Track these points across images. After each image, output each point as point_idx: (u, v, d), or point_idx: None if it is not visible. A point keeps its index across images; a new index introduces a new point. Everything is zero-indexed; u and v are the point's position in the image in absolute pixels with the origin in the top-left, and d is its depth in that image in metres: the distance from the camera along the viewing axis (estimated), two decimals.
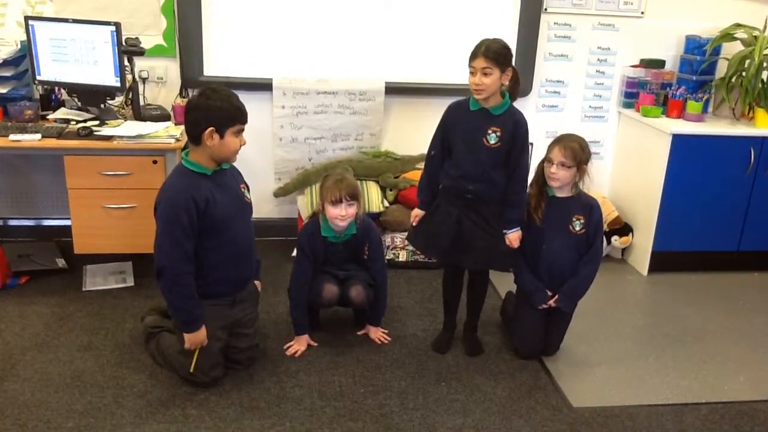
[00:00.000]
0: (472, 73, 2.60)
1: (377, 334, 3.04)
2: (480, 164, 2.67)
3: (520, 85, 2.75)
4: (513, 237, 2.75)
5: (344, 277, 2.95)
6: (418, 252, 3.68)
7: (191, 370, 2.58)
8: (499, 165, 2.69)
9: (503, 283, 3.44)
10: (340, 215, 2.80)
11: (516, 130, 2.66)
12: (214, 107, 2.44)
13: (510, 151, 2.68)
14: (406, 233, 3.76)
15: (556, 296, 2.82)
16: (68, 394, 2.53)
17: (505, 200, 2.73)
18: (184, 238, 2.44)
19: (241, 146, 2.54)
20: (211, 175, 2.53)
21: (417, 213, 2.89)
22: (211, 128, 2.43)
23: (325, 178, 2.89)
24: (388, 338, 3.03)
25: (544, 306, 2.84)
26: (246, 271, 2.72)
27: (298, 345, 2.91)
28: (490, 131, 2.65)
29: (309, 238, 2.91)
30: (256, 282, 2.87)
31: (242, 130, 2.53)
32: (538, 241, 2.80)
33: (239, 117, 2.50)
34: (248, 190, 2.73)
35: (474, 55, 2.59)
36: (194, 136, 2.48)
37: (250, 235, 2.70)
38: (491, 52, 2.56)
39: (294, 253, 3.74)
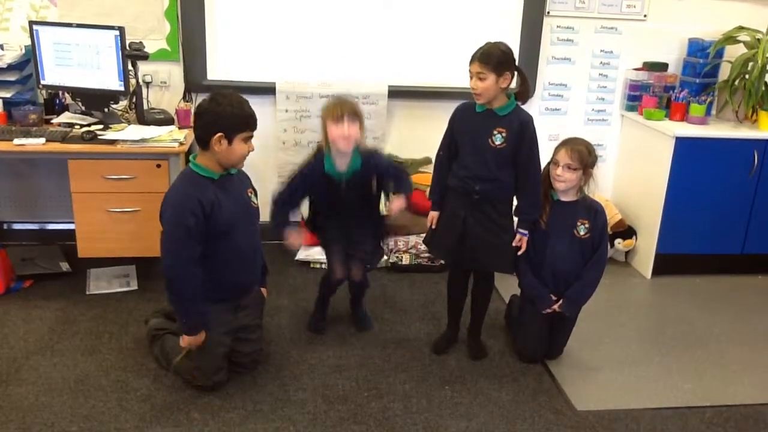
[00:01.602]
0: (470, 77, 2.62)
1: (398, 203, 2.85)
2: (486, 165, 2.68)
3: (528, 86, 2.76)
4: (525, 239, 2.76)
5: (349, 244, 2.91)
6: (429, 254, 3.69)
7: (182, 360, 2.59)
8: (506, 165, 2.70)
9: (507, 287, 3.43)
10: (343, 134, 2.75)
11: (523, 131, 2.67)
12: (226, 113, 2.44)
13: (518, 151, 2.68)
14: (408, 237, 3.78)
15: (561, 301, 2.82)
16: (72, 398, 2.53)
17: (513, 200, 2.74)
18: (189, 241, 2.44)
19: (248, 152, 2.54)
20: (217, 180, 2.53)
21: (432, 215, 2.89)
22: (220, 134, 2.43)
23: (326, 102, 2.84)
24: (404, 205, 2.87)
25: (548, 311, 2.83)
26: (250, 276, 2.72)
27: (293, 239, 2.91)
28: (495, 132, 2.66)
29: (309, 171, 2.87)
30: (262, 289, 2.86)
31: (251, 137, 2.53)
32: (542, 244, 2.80)
33: (250, 124, 2.50)
34: (256, 195, 2.72)
35: (471, 60, 2.61)
36: (203, 141, 2.48)
37: (255, 240, 2.70)
38: (485, 57, 2.57)
39: (296, 257, 3.76)
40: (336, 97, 2.86)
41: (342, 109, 2.75)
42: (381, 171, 2.94)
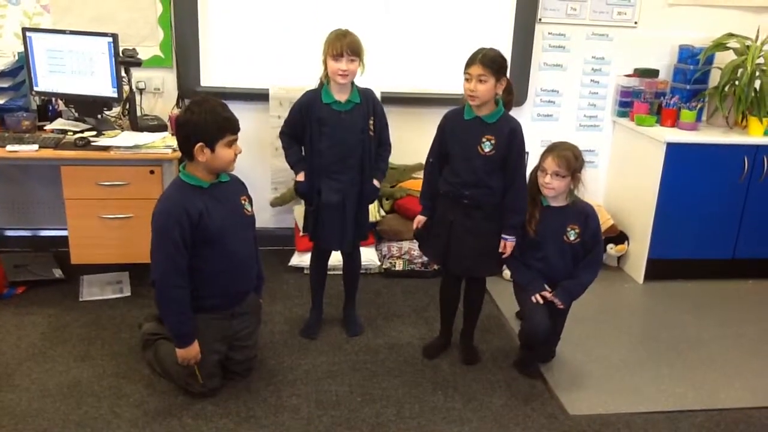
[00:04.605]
0: (467, 80, 2.63)
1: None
2: (475, 171, 2.70)
3: (513, 96, 2.78)
4: (509, 244, 2.76)
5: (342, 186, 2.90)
6: (422, 260, 3.71)
7: (200, 382, 2.58)
8: (495, 171, 2.71)
9: (501, 291, 3.45)
10: (341, 69, 2.76)
11: (512, 138, 2.69)
12: (201, 121, 2.43)
13: (506, 158, 2.70)
14: (402, 242, 3.80)
15: (554, 292, 2.79)
16: (65, 404, 2.53)
17: (501, 204, 2.74)
18: (175, 251, 2.44)
19: (236, 155, 2.53)
20: (207, 188, 2.52)
21: (419, 219, 2.91)
22: (200, 143, 2.42)
23: (329, 33, 2.85)
24: None
25: (540, 297, 2.77)
26: (245, 284, 2.70)
27: (299, 178, 2.95)
28: (484, 140, 2.68)
29: (306, 102, 2.87)
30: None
31: (234, 140, 2.51)
32: (533, 250, 2.81)
33: (228, 127, 2.48)
34: (251, 202, 2.72)
35: (470, 62, 2.62)
36: (186, 152, 2.48)
37: (249, 247, 2.69)
38: (488, 60, 2.59)
39: (291, 262, 3.76)
40: (337, 30, 2.84)
41: (342, 45, 2.76)
42: (376, 117, 2.93)
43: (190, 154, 2.46)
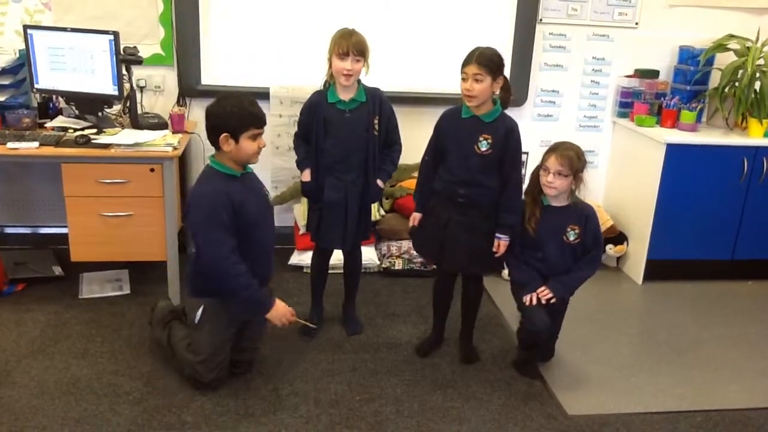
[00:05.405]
0: (464, 80, 2.64)
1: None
2: (471, 170, 2.70)
3: (511, 95, 2.78)
4: (503, 243, 2.76)
5: (346, 185, 2.91)
6: (421, 260, 3.72)
7: (312, 325, 2.82)
8: (491, 171, 2.71)
9: (499, 292, 3.45)
10: (346, 69, 2.78)
11: (508, 138, 2.69)
12: (227, 113, 2.50)
13: (503, 157, 2.70)
14: (402, 241, 3.80)
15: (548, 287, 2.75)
16: (64, 402, 2.53)
17: (497, 204, 2.74)
18: (225, 234, 2.48)
19: (260, 149, 2.58)
20: (239, 177, 2.58)
21: (414, 216, 2.92)
22: (225, 134, 2.49)
23: (335, 32, 2.86)
24: None
25: (535, 295, 2.74)
26: (269, 271, 2.76)
27: (304, 177, 2.97)
28: (481, 138, 2.68)
29: (314, 103, 2.90)
30: None
31: (259, 134, 2.56)
32: (532, 249, 2.81)
33: (254, 121, 2.54)
34: (268, 192, 2.78)
35: (467, 62, 2.63)
36: (213, 142, 2.55)
37: (272, 235, 2.75)
38: (484, 59, 2.60)
39: (291, 261, 3.77)
40: (344, 30, 2.86)
41: (348, 45, 2.77)
42: (382, 116, 2.93)
43: (216, 143, 2.53)
